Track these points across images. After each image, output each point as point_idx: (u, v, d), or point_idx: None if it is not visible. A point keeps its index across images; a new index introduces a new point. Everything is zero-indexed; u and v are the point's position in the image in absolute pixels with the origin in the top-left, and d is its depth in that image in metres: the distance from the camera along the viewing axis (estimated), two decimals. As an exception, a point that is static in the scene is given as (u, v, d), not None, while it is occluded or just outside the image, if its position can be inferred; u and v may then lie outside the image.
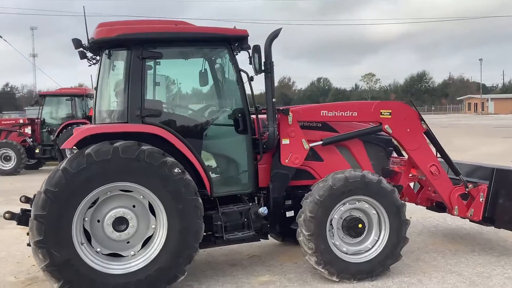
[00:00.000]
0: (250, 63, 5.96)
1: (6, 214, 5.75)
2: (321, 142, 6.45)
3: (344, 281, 6.02)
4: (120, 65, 5.83)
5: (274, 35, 5.99)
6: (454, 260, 6.84)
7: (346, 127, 6.70)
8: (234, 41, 6.08)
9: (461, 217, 7.07)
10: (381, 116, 6.60)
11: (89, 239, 5.59)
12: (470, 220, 7.13)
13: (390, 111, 6.63)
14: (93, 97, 18.58)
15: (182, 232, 5.56)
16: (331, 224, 6.04)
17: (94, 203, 5.55)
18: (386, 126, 6.58)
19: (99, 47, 5.86)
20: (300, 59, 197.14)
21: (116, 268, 5.52)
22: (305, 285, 6.03)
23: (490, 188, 6.83)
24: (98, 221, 5.58)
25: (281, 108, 6.27)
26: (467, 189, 6.89)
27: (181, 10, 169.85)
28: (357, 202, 6.12)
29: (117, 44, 5.77)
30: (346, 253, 6.10)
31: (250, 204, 6.16)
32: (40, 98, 18.76)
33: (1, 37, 27.46)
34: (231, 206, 6.05)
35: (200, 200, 5.62)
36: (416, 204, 7.87)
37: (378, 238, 6.19)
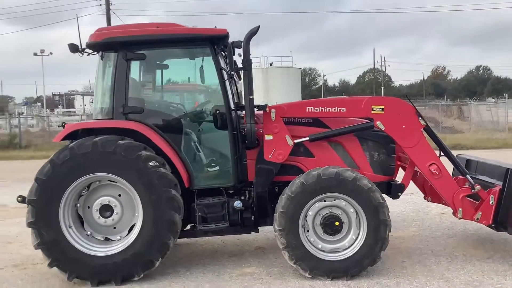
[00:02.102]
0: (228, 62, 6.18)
1: (19, 198, 6.62)
2: (307, 138, 6.43)
3: (318, 278, 6.00)
4: (109, 66, 6.37)
5: (252, 33, 6.11)
6: (458, 266, 6.41)
7: (340, 123, 6.58)
8: (217, 40, 6.31)
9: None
10: (372, 112, 6.38)
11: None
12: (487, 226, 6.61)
13: (383, 106, 6.38)
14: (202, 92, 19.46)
15: (156, 221, 5.97)
16: (306, 220, 6.04)
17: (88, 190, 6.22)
18: (378, 122, 6.36)
19: (95, 50, 6.48)
20: (461, 46, 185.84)
21: (98, 250, 6.11)
22: (278, 279, 6.12)
23: (504, 190, 6.28)
24: (89, 207, 6.22)
25: (259, 105, 6.37)
26: (473, 190, 6.39)
27: (332, 1, 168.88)
28: (334, 200, 6.04)
29: (106, 47, 6.33)
30: (322, 251, 6.06)
31: (228, 197, 6.37)
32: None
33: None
34: (208, 199, 6.32)
35: (175, 192, 5.98)
36: (442, 204, 7.43)
37: (357, 237, 6.05)
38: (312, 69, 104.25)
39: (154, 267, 6.10)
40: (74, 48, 6.39)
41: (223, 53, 6.68)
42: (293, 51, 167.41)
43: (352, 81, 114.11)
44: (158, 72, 6.78)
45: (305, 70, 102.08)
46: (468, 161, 7.52)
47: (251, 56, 6.14)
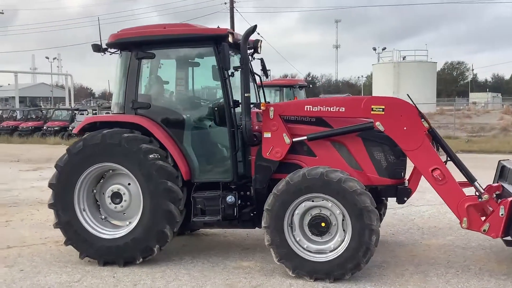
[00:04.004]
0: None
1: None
2: (305, 137, 6.39)
3: (303, 278, 5.97)
4: (124, 64, 6.85)
5: (248, 32, 6.22)
6: (461, 279, 5.97)
7: (344, 123, 6.43)
8: (220, 39, 6.49)
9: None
10: (372, 112, 6.16)
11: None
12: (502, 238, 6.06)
13: (383, 107, 6.13)
14: (302, 88, 19.95)
15: (153, 211, 6.38)
16: (293, 219, 6.04)
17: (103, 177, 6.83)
18: (377, 123, 6.12)
19: (113, 49, 7.02)
20: None
21: (106, 233, 6.68)
22: (265, 275, 6.19)
23: (517, 201, 5.73)
24: (103, 193, 6.81)
25: (255, 103, 6.45)
26: (480, 200, 5.91)
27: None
28: (322, 200, 5.96)
29: (122, 47, 6.85)
30: (308, 251, 6.01)
31: (223, 192, 6.52)
32: (256, 88, 20.78)
33: (259, 33, 30.90)
34: (204, 192, 6.56)
35: (171, 184, 6.32)
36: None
37: (342, 240, 5.92)
38: (461, 62, 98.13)
39: (154, 253, 6.51)
40: (96, 47, 6.99)
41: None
42: (443, 44, 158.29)
43: (507, 75, 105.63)
44: (168, 70, 7.13)
45: (452, 64, 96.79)
46: (503, 168, 6.92)
47: (249, 55, 6.29)
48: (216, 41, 6.50)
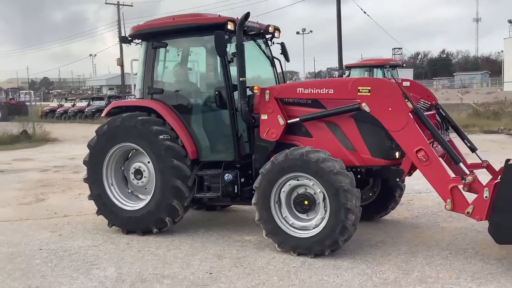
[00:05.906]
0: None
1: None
2: (297, 119, 6.63)
3: (289, 253, 6.30)
4: (143, 53, 7.52)
5: (242, 20, 6.58)
6: (446, 262, 5.91)
7: (338, 104, 6.55)
8: (221, 27, 6.88)
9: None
10: (359, 93, 6.23)
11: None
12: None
13: (369, 88, 6.18)
14: (395, 67, 19.86)
15: (162, 186, 7.05)
16: (280, 197, 6.36)
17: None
18: (363, 104, 6.19)
19: (139, 39, 7.72)
20: None
21: (128, 205, 7.50)
22: (257, 248, 6.60)
23: (503, 184, 5.55)
24: (129, 170, 7.63)
25: (249, 86, 6.80)
26: (463, 181, 5.77)
27: None
28: (305, 180, 6.20)
29: (141, 38, 7.53)
30: (293, 227, 6.30)
31: (224, 170, 6.97)
32: (346, 69, 20.76)
33: (365, 12, 30.45)
34: (206, 171, 7.07)
35: (178, 162, 6.93)
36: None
37: (323, 218, 6.13)
38: None
39: (167, 225, 7.18)
40: (123, 39, 7.77)
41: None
42: None
43: None
44: (175, 57, 7.68)
45: None
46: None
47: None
48: (216, 29, 6.92)
